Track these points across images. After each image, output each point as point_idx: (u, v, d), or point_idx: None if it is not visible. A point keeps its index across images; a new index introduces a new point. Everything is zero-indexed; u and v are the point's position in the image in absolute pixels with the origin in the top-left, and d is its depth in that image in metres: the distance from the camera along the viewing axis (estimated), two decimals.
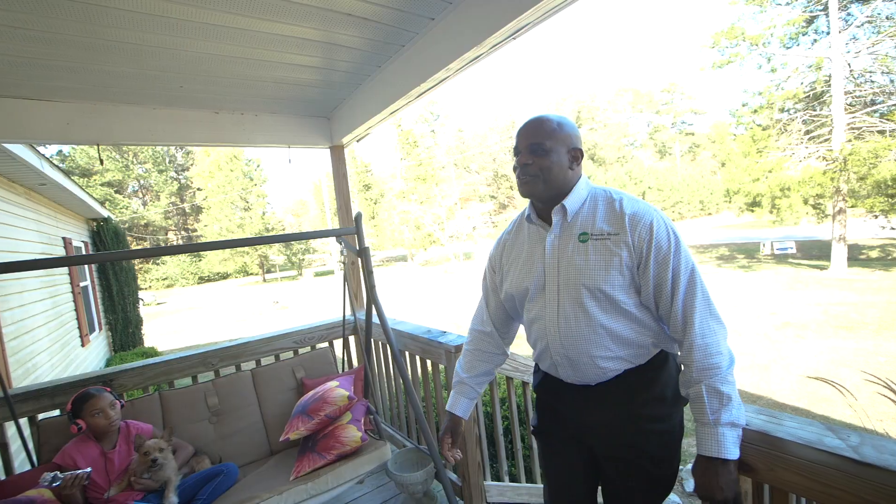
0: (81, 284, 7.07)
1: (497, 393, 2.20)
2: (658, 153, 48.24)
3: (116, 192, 35.28)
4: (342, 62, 2.26)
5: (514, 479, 2.63)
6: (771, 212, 13.99)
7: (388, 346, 2.71)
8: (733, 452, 0.99)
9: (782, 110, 14.09)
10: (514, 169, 1.21)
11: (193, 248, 2.03)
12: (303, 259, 35.26)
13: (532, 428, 1.45)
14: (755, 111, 14.84)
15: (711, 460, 1.00)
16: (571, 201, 1.16)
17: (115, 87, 2.27)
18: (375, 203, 34.69)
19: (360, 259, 2.27)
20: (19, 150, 3.65)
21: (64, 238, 6.41)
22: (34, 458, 1.99)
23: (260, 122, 2.91)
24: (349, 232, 2.23)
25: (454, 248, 27.81)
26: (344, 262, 2.55)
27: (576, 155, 1.17)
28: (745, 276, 13.45)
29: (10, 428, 2.16)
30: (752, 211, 14.93)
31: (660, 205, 38.16)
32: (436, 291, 17.62)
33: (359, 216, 2.26)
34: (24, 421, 2.08)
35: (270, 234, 32.47)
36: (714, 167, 40.91)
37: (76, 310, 6.44)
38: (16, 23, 1.60)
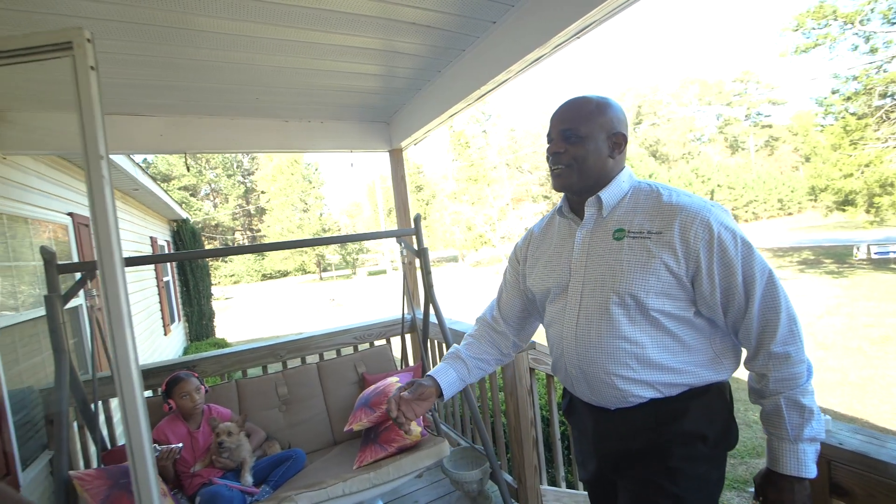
0: (164, 279, 7.79)
1: (554, 397, 2.18)
2: (729, 148, 44.25)
3: (191, 195, 38.34)
4: (403, 69, 2.34)
5: (571, 486, 2.59)
6: (868, 211, 12.51)
7: (444, 344, 2.76)
8: (812, 470, 0.90)
9: (884, 95, 12.34)
10: (547, 158, 1.07)
11: (265, 247, 2.19)
12: (357, 258, 36.52)
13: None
14: (848, 98, 13.09)
15: (787, 478, 0.91)
16: (609, 193, 1.02)
17: (200, 101, 2.49)
18: (427, 204, 35.17)
19: (418, 259, 2.34)
20: (119, 159, 4.11)
21: (151, 237, 7.10)
22: None
23: (325, 128, 3.07)
24: (408, 233, 2.30)
25: (506, 248, 27.58)
26: (403, 262, 2.63)
27: (618, 141, 1.02)
28: (833, 283, 12.17)
29: (114, 402, 2.44)
30: (844, 210, 13.43)
31: (731, 204, 35.08)
32: (487, 292, 17.58)
33: (418, 217, 2.32)
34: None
35: (327, 233, 33.95)
36: (796, 162, 37.12)
37: (160, 302, 7.10)
38: (123, 50, 1.81)
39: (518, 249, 1.26)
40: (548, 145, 1.07)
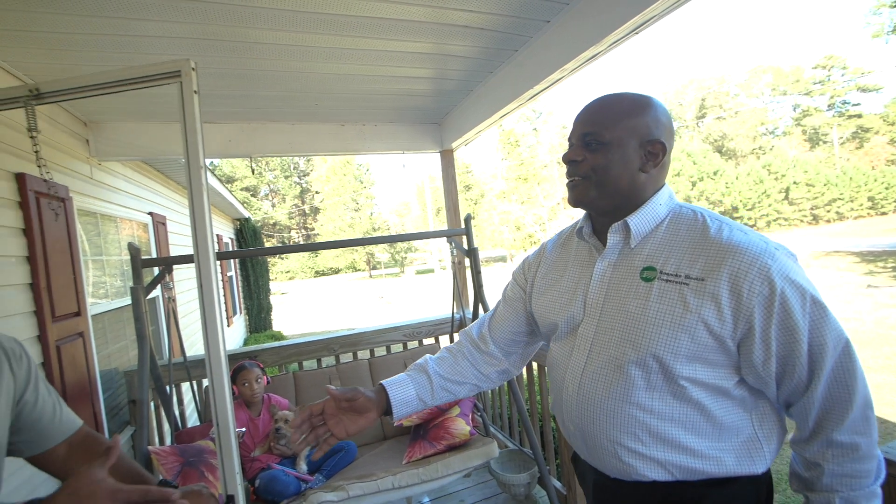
0: (228, 274, 8.36)
1: None
2: (807, 141, 39.55)
3: (252, 195, 40.77)
4: (454, 71, 2.36)
5: None
6: None
7: None
8: None
9: None
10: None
11: (320, 246, 2.29)
12: (405, 257, 37.23)
13: None
14: None
15: None
16: (640, 219, 0.81)
17: (264, 108, 2.66)
18: (475, 203, 35.20)
19: (468, 259, 2.35)
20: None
21: (217, 235, 7.64)
22: (201, 416, 2.43)
23: (378, 131, 3.17)
24: (459, 233, 2.32)
25: None
26: (453, 262, 2.66)
27: (654, 150, 0.81)
28: None
29: (185, 385, 2.65)
30: None
31: (809, 203, 31.56)
32: None
33: (468, 218, 2.34)
34: (190, 384, 2.55)
35: (376, 232, 34.90)
36: (892, 155, 33.09)
37: (224, 295, 7.62)
38: (204, 64, 1.97)
39: (527, 266, 1.06)
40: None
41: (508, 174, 30.88)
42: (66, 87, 1.08)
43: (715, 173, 32.45)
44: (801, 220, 32.11)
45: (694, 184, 32.20)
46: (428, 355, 1.05)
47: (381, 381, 0.97)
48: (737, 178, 32.66)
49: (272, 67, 2.11)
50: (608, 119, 0.82)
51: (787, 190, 31.93)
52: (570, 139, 0.87)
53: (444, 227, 3.44)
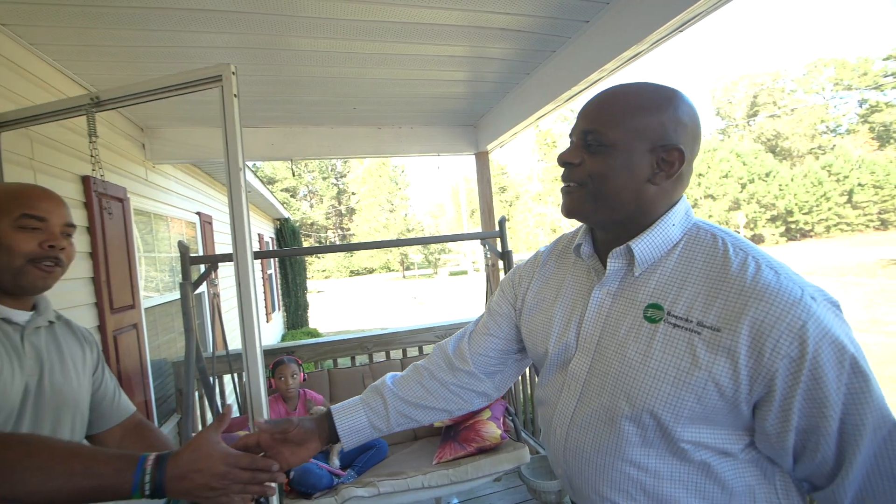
0: (268, 272, 8.69)
1: None
2: (875, 139, 35.74)
3: (291, 196, 42.19)
4: (490, 73, 2.36)
5: None
6: None
7: None
8: None
9: None
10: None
11: (359, 246, 2.34)
12: (438, 259, 37.43)
13: None
14: None
15: None
16: (647, 244, 0.68)
17: (306, 112, 2.75)
18: (510, 205, 35.00)
19: (501, 261, 2.34)
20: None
21: (259, 234, 7.96)
22: (241, 408, 2.54)
23: (415, 133, 3.21)
24: (493, 235, 2.31)
25: None
26: (487, 264, 2.66)
27: (669, 158, 0.66)
28: None
29: (227, 377, 2.78)
30: None
31: (877, 207, 28.92)
32: None
33: (503, 220, 2.33)
34: (232, 377, 2.67)
35: (410, 233, 35.31)
36: None
37: (264, 292, 7.93)
38: (242, 72, 2.07)
39: (518, 278, 0.91)
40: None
41: (545, 175, 30.48)
42: (120, 94, 1.16)
43: (767, 174, 30.64)
44: (867, 226, 29.77)
45: (744, 186, 30.60)
46: (390, 374, 0.93)
47: (331, 406, 0.88)
48: (792, 180, 30.73)
49: (313, 74, 2.18)
50: (615, 115, 0.67)
51: (851, 192, 29.57)
52: (570, 135, 0.73)
53: (479, 229, 3.44)
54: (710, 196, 31.91)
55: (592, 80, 1.99)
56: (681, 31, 1.60)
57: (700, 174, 32.42)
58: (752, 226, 31.02)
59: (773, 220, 31.27)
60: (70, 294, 1.85)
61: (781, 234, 31.22)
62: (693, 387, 0.61)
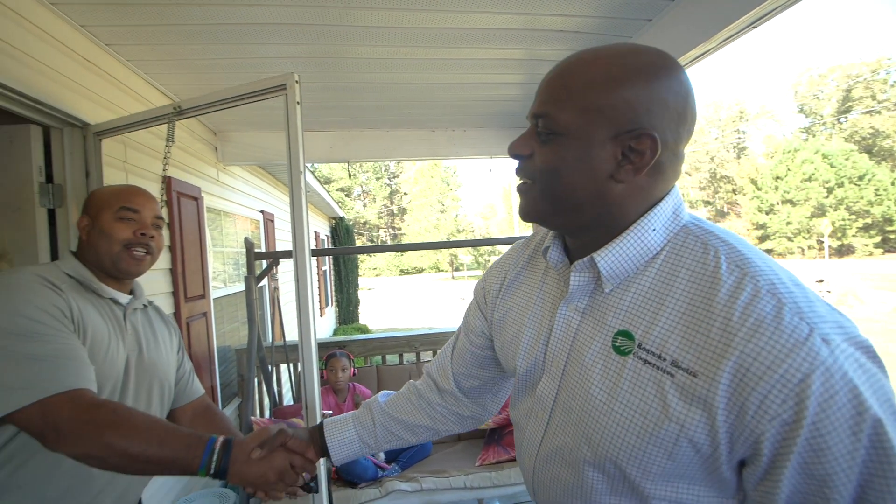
0: (323, 268, 9.08)
1: None
2: None
3: (346, 195, 43.76)
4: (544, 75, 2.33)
5: None
6: None
7: None
8: None
9: None
10: None
11: (415, 246, 2.40)
12: (489, 260, 37.29)
13: None
14: None
15: None
16: (615, 256, 0.54)
17: (363, 116, 2.86)
18: None
19: None
20: None
21: (315, 232, 8.34)
22: (295, 396, 2.68)
23: (468, 136, 3.24)
24: None
25: None
26: None
27: (639, 147, 0.51)
28: None
29: (283, 366, 2.94)
30: None
31: None
32: None
33: None
34: (288, 366, 2.82)
35: (461, 234, 35.45)
36: None
37: (318, 288, 8.29)
38: (304, 80, 2.18)
39: (490, 280, 0.78)
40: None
41: None
42: (198, 104, 1.28)
43: (861, 178, 27.58)
44: None
45: (830, 190, 27.79)
46: (383, 392, 0.92)
47: (324, 420, 0.86)
48: (893, 184, 27.50)
49: (370, 80, 2.26)
50: (568, 93, 0.52)
51: None
52: (526, 117, 0.60)
53: (530, 231, 3.41)
54: (790, 201, 29.27)
55: None
56: (754, 27, 1.49)
57: (778, 177, 29.87)
58: (839, 235, 28.06)
59: (865, 228, 28.09)
60: (152, 283, 2.05)
61: (876, 246, 27.97)
62: (662, 441, 0.48)
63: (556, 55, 2.08)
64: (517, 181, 0.60)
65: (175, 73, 2.05)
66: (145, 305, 1.06)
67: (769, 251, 29.83)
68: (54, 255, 1.53)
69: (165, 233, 2.24)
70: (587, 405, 0.55)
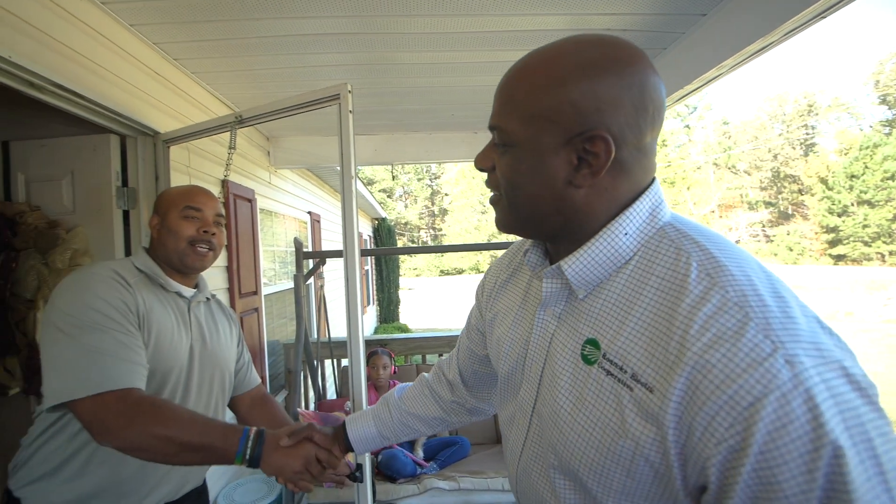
0: (365, 268, 9.31)
1: None
2: None
3: (388, 196, 44.58)
4: None
5: None
6: None
7: None
8: None
9: None
10: None
11: (455, 248, 2.42)
12: None
13: None
14: None
15: None
16: (582, 262, 0.52)
17: (407, 120, 2.91)
18: None
19: None
20: None
21: (359, 233, 8.56)
22: (338, 391, 2.77)
23: None
24: None
25: None
26: None
27: (593, 149, 0.48)
28: None
29: (327, 361, 3.05)
30: None
31: None
32: None
33: None
34: (332, 362, 2.92)
35: (502, 236, 35.28)
36: None
37: (361, 287, 8.51)
38: (357, 86, 2.26)
39: (486, 279, 0.78)
40: None
41: None
42: (257, 113, 1.36)
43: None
44: None
45: None
46: (399, 386, 0.97)
47: (346, 417, 0.90)
48: None
49: (415, 84, 2.30)
50: (515, 102, 0.51)
51: None
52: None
53: None
54: (867, 202, 26.75)
55: (709, 78, 1.83)
56: (823, 18, 1.40)
57: (853, 176, 27.37)
58: None
59: None
60: (211, 280, 2.19)
61: None
62: (619, 458, 0.46)
63: None
64: (489, 193, 0.59)
65: (234, 84, 2.19)
66: (208, 299, 1.13)
67: (841, 257, 27.45)
68: (127, 252, 1.68)
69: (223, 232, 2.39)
70: (554, 414, 0.53)
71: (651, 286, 0.47)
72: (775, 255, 27.56)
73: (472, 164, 0.60)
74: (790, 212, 32.39)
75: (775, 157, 32.72)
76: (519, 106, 0.50)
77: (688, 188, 25.71)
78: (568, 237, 0.54)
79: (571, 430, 0.51)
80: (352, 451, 0.89)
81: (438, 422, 0.88)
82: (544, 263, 0.60)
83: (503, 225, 0.58)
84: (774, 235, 27.99)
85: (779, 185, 32.80)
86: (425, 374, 0.92)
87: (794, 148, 31.51)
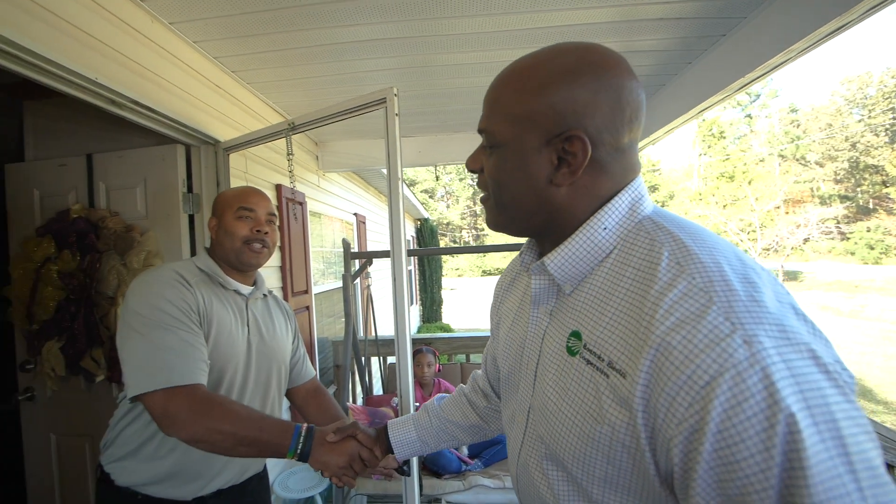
0: (408, 268, 9.45)
1: None
2: None
3: (430, 197, 45.00)
4: (642, 67, 2.19)
5: None
6: None
7: None
8: None
9: None
10: None
11: (501, 248, 2.40)
12: None
13: None
14: None
15: None
16: (563, 257, 0.54)
17: (450, 120, 2.92)
18: (662, 206, 31.29)
19: None
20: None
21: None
22: (384, 387, 2.83)
23: None
24: None
25: (770, 263, 22.11)
26: None
27: (572, 150, 0.51)
28: None
29: (373, 359, 3.12)
30: None
31: None
32: None
33: None
34: (378, 359, 2.98)
35: None
36: None
37: (407, 285, 8.64)
38: (402, 89, 2.30)
39: (499, 282, 0.81)
40: None
41: (707, 171, 26.49)
42: (309, 119, 1.41)
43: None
44: None
45: None
46: (439, 395, 0.98)
47: (389, 421, 0.95)
48: None
49: (459, 85, 2.31)
50: (499, 106, 0.55)
51: None
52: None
53: None
54: None
55: (775, 64, 1.70)
56: None
57: None
58: None
59: None
60: (267, 279, 2.31)
61: None
62: (599, 444, 0.48)
63: (655, 45, 1.94)
64: (480, 194, 0.63)
65: (285, 92, 2.29)
66: (265, 295, 1.18)
67: None
68: (192, 253, 1.80)
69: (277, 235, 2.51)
70: (544, 406, 0.56)
71: (627, 277, 0.49)
72: (852, 253, 25.07)
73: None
74: (871, 206, 29.10)
75: (853, 145, 29.34)
76: (504, 109, 0.54)
77: (749, 182, 23.90)
78: (552, 235, 0.57)
79: (556, 419, 0.53)
80: (392, 453, 0.92)
81: (476, 429, 0.91)
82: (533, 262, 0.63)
83: (492, 223, 0.61)
84: (851, 232, 25.39)
85: (857, 176, 29.34)
86: (463, 385, 0.96)
87: (876, 135, 28.17)
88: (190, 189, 1.81)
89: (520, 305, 0.67)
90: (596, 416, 0.48)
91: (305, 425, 0.90)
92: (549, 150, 0.52)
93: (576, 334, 0.53)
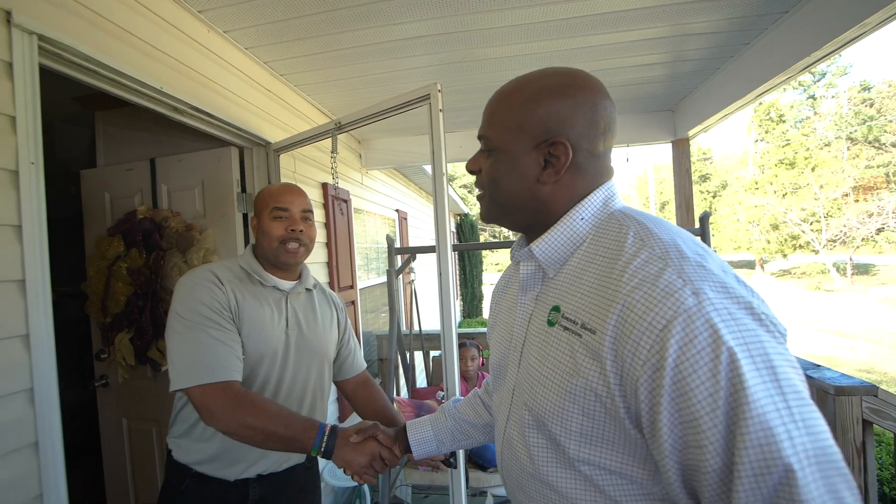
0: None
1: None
2: None
3: (468, 192, 44.81)
4: (693, 51, 2.07)
5: None
6: None
7: None
8: None
9: None
10: None
11: None
12: None
13: None
14: None
15: None
16: (548, 244, 0.63)
17: None
18: (714, 196, 29.68)
19: None
20: (429, 168, 5.23)
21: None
22: (429, 380, 2.86)
23: None
24: (693, 233, 2.05)
25: (835, 256, 20.39)
26: None
27: (556, 153, 0.61)
28: None
29: (417, 353, 3.16)
30: None
31: None
32: (800, 312, 13.67)
33: (706, 217, 2.04)
34: (422, 353, 3.02)
35: None
36: None
37: (452, 280, 8.68)
38: (444, 85, 2.30)
39: (493, 291, 0.88)
40: None
41: (765, 159, 24.64)
42: (355, 118, 1.44)
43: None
44: None
45: None
46: (454, 398, 1.02)
47: (408, 421, 1.00)
48: None
49: (500, 78, 2.27)
50: (497, 116, 0.66)
51: None
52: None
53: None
54: None
55: (845, 41, 1.56)
56: None
57: None
58: None
59: None
60: (314, 275, 2.40)
61: None
62: (575, 396, 0.55)
63: (708, 27, 1.83)
64: (476, 192, 0.72)
65: (331, 92, 2.35)
66: (309, 289, 1.20)
67: None
68: None
69: (323, 232, 2.59)
70: (527, 375, 0.63)
71: (599, 255, 0.58)
72: None
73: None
74: None
75: None
76: (500, 120, 0.65)
77: (812, 169, 21.92)
78: (538, 226, 0.65)
79: (538, 381, 0.60)
80: (410, 452, 0.96)
81: (490, 428, 0.95)
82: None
83: (486, 216, 0.71)
84: None
85: None
86: (477, 388, 0.99)
87: None
88: (244, 189, 1.90)
89: (511, 304, 0.74)
90: (572, 371, 0.55)
91: (330, 424, 0.94)
92: (537, 154, 0.62)
93: (556, 308, 0.61)
